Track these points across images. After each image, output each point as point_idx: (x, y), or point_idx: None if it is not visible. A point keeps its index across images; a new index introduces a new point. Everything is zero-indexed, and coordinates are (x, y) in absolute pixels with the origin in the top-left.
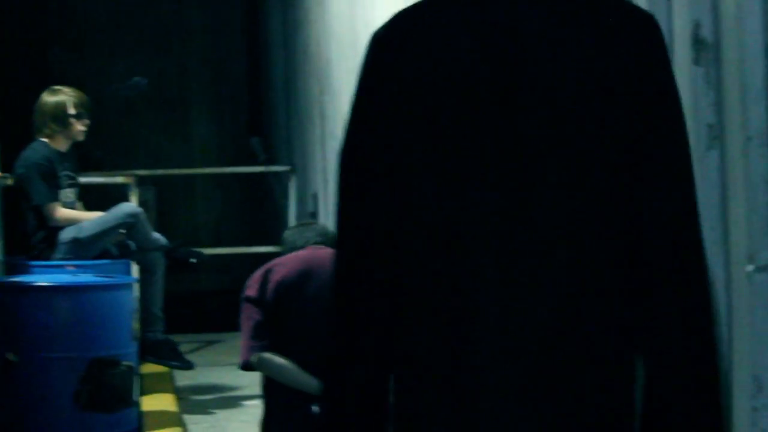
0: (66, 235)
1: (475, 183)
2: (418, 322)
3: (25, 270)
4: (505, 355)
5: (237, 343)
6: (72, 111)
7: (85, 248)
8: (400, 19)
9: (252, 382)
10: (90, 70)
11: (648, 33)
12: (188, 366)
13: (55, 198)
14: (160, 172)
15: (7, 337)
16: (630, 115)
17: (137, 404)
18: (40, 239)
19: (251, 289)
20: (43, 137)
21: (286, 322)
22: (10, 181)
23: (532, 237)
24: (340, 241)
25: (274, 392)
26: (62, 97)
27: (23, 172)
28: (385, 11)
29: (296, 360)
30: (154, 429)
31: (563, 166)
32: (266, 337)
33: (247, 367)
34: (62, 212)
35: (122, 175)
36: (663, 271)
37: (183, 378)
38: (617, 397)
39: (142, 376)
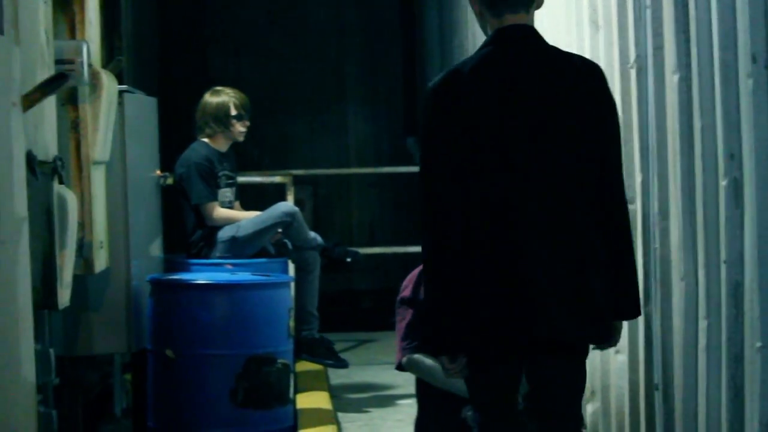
0: (224, 233)
1: (505, 160)
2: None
3: (185, 268)
4: (536, 243)
5: (391, 342)
6: (234, 112)
7: (243, 247)
8: (448, 74)
9: (407, 381)
10: (247, 71)
11: (598, 73)
12: (343, 364)
13: (213, 198)
14: (316, 171)
15: (166, 334)
16: (590, 118)
17: (293, 402)
18: (199, 238)
19: (406, 290)
20: (204, 137)
21: None
22: (170, 181)
23: (542, 182)
24: (427, 197)
25: (427, 393)
26: (225, 98)
27: (183, 171)
28: (544, 11)
29: None
30: (310, 426)
31: (554, 144)
32: (418, 338)
33: (399, 367)
34: (220, 212)
35: (279, 175)
36: (609, 199)
37: (338, 376)
38: (592, 249)
39: (297, 374)
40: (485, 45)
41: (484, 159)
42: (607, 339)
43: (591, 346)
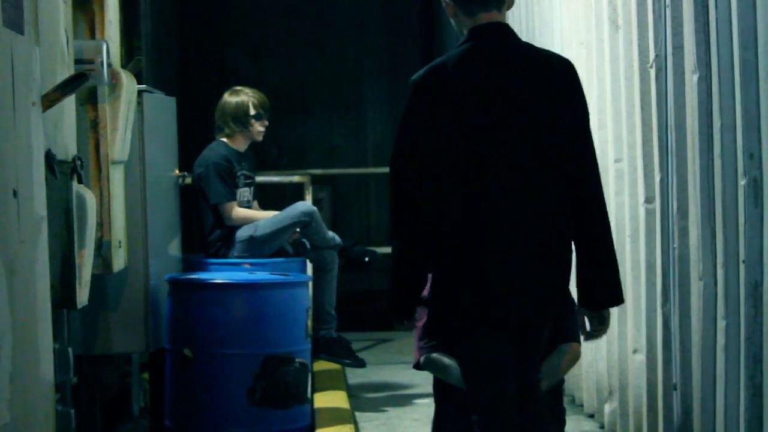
0: (242, 233)
1: (482, 152)
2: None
3: (203, 267)
4: (508, 231)
5: (408, 342)
6: (252, 111)
7: (261, 246)
8: (431, 69)
9: (424, 380)
10: (266, 71)
11: (570, 68)
12: (361, 364)
13: (232, 197)
14: (334, 171)
15: (184, 334)
16: (563, 111)
17: (310, 401)
18: (217, 237)
19: (423, 290)
20: (222, 137)
21: None
22: (189, 180)
23: (517, 171)
24: (398, 183)
25: (444, 392)
26: (243, 97)
27: (202, 171)
28: (564, 10)
29: None
30: (327, 426)
31: (531, 136)
32: (435, 337)
33: (417, 366)
34: (238, 212)
35: (298, 174)
36: (583, 188)
37: (355, 376)
38: (565, 244)
39: (315, 374)
40: (463, 42)
41: (462, 151)
42: (600, 324)
43: (581, 338)
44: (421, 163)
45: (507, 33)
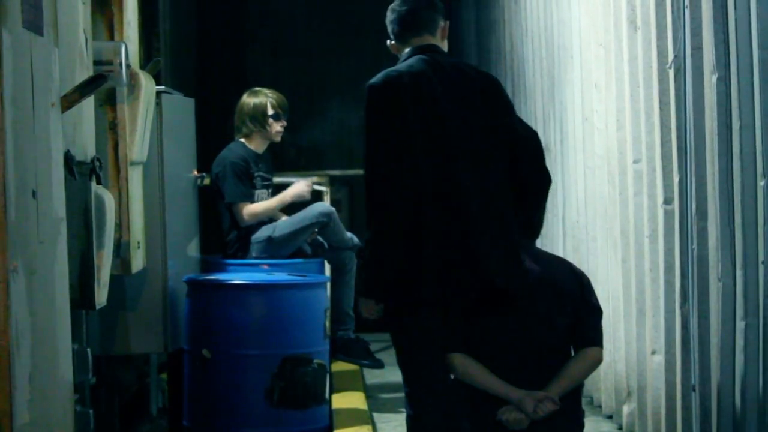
0: (260, 233)
1: (441, 145)
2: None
3: (221, 268)
4: (471, 210)
5: None
6: (271, 111)
7: (279, 247)
8: (387, 75)
9: None
10: (285, 72)
11: (497, 82)
12: (379, 365)
13: (246, 198)
14: (352, 172)
15: (202, 334)
16: (497, 113)
17: (328, 402)
18: (235, 238)
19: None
20: (241, 137)
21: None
22: (207, 181)
23: (471, 164)
24: (376, 172)
25: (463, 392)
26: (262, 98)
27: (219, 171)
28: (583, 10)
29: (484, 362)
30: (345, 426)
31: (476, 137)
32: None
33: None
34: (249, 209)
35: (316, 175)
36: (526, 178)
37: (373, 376)
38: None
39: (333, 374)
40: (405, 59)
41: (422, 144)
42: None
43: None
44: (393, 154)
45: (439, 51)
